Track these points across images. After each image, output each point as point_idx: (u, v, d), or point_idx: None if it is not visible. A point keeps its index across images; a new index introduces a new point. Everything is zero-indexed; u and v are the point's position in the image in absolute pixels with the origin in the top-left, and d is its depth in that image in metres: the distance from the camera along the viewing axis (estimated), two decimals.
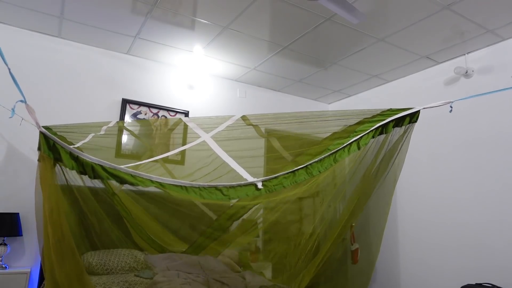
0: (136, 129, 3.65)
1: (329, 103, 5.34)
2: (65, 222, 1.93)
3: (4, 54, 3.53)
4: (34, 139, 3.22)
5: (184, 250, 3.18)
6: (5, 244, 2.97)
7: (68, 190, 2.66)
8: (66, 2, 3.00)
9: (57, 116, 3.50)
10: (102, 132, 2.58)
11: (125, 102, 3.84)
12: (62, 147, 1.93)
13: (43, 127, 1.98)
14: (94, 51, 3.79)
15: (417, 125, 3.96)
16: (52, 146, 1.93)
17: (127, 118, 3.83)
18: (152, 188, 2.21)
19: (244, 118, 2.54)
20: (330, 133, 2.50)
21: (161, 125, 3.21)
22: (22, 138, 3.17)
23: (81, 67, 3.69)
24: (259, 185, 2.25)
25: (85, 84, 3.69)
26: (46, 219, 1.85)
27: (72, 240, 1.95)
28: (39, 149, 1.95)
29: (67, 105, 3.56)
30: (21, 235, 3.04)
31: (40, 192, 1.92)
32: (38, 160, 1.97)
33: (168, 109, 4.07)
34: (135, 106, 3.90)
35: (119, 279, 2.54)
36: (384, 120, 2.33)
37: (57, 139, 1.95)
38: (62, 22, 3.33)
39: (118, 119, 3.78)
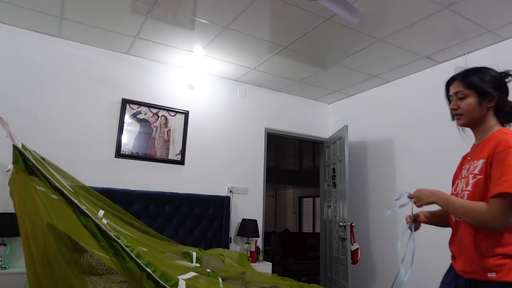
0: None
1: (329, 103, 5.34)
2: (49, 234, 1.88)
3: (4, 54, 3.52)
4: (32, 139, 3.24)
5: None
6: (5, 244, 2.98)
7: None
8: (66, 2, 3.00)
9: (57, 116, 3.51)
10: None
11: (125, 102, 3.84)
12: (33, 165, 1.89)
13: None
14: (94, 51, 3.79)
15: (417, 125, 3.99)
16: (24, 161, 1.88)
17: (127, 118, 3.83)
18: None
19: None
20: None
21: None
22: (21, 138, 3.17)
23: (81, 67, 3.70)
24: None
25: (85, 84, 3.69)
26: (27, 233, 1.79)
27: (58, 252, 1.90)
28: (15, 162, 1.87)
29: (67, 105, 3.57)
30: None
31: (20, 208, 1.82)
32: (13, 174, 1.85)
33: (168, 109, 4.07)
34: (135, 106, 3.90)
35: (119, 279, 2.53)
36: None
37: (29, 157, 1.89)
38: (62, 22, 3.33)
39: (118, 119, 3.79)
